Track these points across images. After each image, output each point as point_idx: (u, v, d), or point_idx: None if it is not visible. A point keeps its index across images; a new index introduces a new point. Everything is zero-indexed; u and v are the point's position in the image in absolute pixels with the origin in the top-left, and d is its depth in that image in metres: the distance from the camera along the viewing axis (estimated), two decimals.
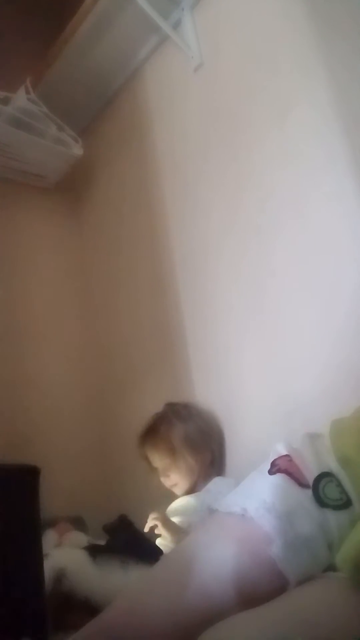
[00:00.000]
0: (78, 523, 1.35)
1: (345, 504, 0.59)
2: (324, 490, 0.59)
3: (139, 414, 1.49)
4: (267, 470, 0.63)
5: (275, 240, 1.37)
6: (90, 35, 1.70)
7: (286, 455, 0.64)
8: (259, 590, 0.55)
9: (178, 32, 1.67)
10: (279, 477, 0.61)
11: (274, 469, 0.63)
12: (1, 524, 0.58)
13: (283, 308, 1.33)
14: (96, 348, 1.87)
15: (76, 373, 1.83)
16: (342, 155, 1.23)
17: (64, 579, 0.91)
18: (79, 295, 1.94)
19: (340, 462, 0.60)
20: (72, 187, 2.01)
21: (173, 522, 1.21)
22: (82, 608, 0.87)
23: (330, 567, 0.58)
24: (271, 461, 0.64)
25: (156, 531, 1.16)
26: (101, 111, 1.99)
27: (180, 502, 1.35)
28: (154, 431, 1.40)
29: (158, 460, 1.38)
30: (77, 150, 1.81)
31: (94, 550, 1.00)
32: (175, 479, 1.37)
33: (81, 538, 1.18)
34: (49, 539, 1.13)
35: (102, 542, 1.09)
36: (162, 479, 1.39)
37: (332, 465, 0.61)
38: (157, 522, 1.15)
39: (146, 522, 1.20)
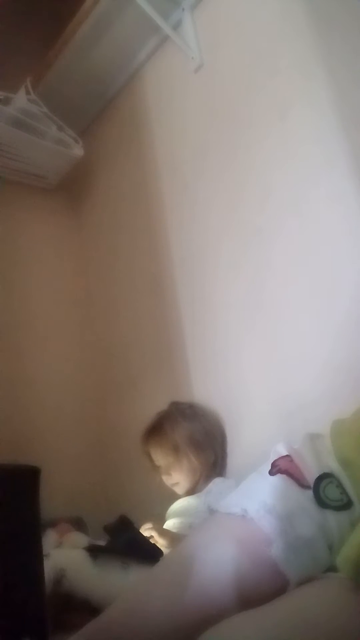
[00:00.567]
0: (78, 523, 1.35)
1: (345, 504, 0.59)
2: (324, 491, 0.59)
3: (139, 414, 1.49)
4: (267, 471, 0.63)
5: (274, 240, 1.37)
6: (90, 36, 1.70)
7: (287, 456, 0.64)
8: (259, 591, 0.55)
9: (178, 33, 1.67)
10: (279, 478, 0.61)
11: (275, 469, 0.63)
12: (1, 524, 0.58)
13: (282, 308, 1.33)
14: (96, 348, 1.87)
15: (76, 373, 1.83)
16: (342, 154, 1.23)
17: (63, 580, 0.91)
18: (79, 295, 1.94)
19: (341, 464, 0.60)
20: (72, 188, 2.01)
21: (168, 531, 1.20)
22: (82, 608, 0.87)
23: (331, 568, 0.58)
24: (272, 462, 0.64)
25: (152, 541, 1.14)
26: (101, 112, 1.99)
27: (181, 503, 1.35)
28: (159, 429, 1.40)
29: (161, 458, 1.38)
30: (78, 150, 1.81)
31: (94, 551, 1.00)
32: (177, 478, 1.37)
33: (81, 539, 1.17)
34: (49, 539, 1.13)
35: (103, 543, 1.09)
36: (164, 478, 1.39)
37: (333, 466, 0.61)
38: (153, 533, 1.14)
39: (146, 523, 1.19)
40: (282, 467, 0.62)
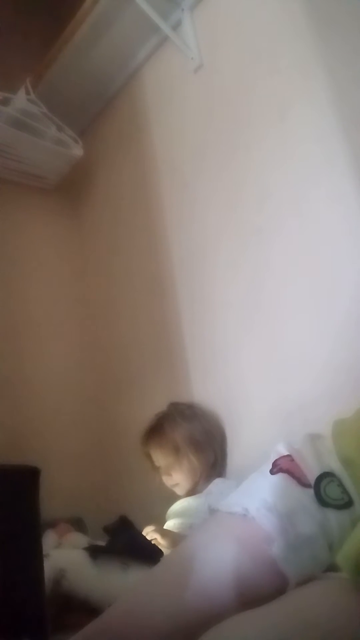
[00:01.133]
0: (78, 524, 1.35)
1: (346, 503, 0.59)
2: (325, 490, 0.59)
3: (139, 415, 1.49)
4: (268, 471, 0.63)
5: (274, 240, 1.37)
6: (90, 36, 1.70)
7: (287, 456, 0.64)
8: (259, 591, 0.55)
9: (178, 33, 1.67)
10: (280, 477, 0.61)
11: (275, 468, 0.63)
12: (1, 524, 0.58)
13: (282, 308, 1.33)
14: (95, 348, 1.87)
15: (75, 373, 1.83)
16: (341, 154, 1.23)
17: (63, 580, 0.91)
18: (78, 295, 1.94)
19: (343, 463, 0.60)
20: (71, 188, 2.01)
21: (171, 532, 1.20)
22: (82, 608, 0.87)
23: (331, 568, 0.58)
24: (272, 461, 0.64)
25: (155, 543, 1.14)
26: (101, 112, 1.99)
27: (182, 504, 1.35)
28: (158, 430, 1.40)
29: (161, 458, 1.38)
30: (77, 151, 1.81)
31: (94, 551, 1.00)
32: (177, 479, 1.37)
33: (81, 539, 1.17)
34: (48, 540, 1.13)
35: (103, 543, 1.09)
36: (164, 478, 1.39)
37: (334, 465, 0.61)
38: (155, 535, 1.14)
39: (146, 523, 1.19)
40: (282, 466, 0.62)
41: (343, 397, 1.09)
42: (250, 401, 1.38)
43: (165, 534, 1.15)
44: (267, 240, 1.39)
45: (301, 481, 0.60)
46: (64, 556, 0.99)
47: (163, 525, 1.27)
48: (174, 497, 1.38)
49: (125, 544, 1.03)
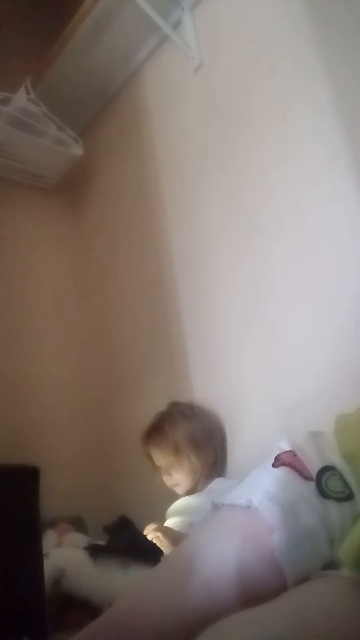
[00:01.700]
0: (78, 524, 1.35)
1: (347, 496, 0.59)
2: (327, 483, 0.60)
3: (139, 414, 1.49)
4: (270, 465, 0.64)
5: (274, 239, 1.37)
6: (90, 35, 1.70)
7: (290, 451, 0.65)
8: (262, 587, 0.55)
9: (178, 32, 1.67)
10: (282, 470, 0.62)
11: (278, 462, 0.64)
12: (1, 524, 0.58)
13: (282, 307, 1.33)
14: (95, 348, 1.87)
15: (75, 373, 1.83)
16: (342, 153, 1.23)
17: (63, 579, 0.91)
18: (78, 294, 1.95)
19: (345, 458, 0.61)
20: (71, 187, 2.01)
21: (172, 530, 1.20)
22: (82, 608, 0.87)
23: (331, 565, 0.58)
24: (274, 456, 0.65)
25: (158, 543, 1.14)
26: (101, 111, 1.99)
27: (182, 503, 1.35)
28: (158, 429, 1.40)
29: (161, 458, 1.38)
30: (77, 150, 1.81)
31: (94, 550, 1.00)
32: (177, 478, 1.37)
33: (81, 539, 1.17)
34: (48, 539, 1.13)
35: (103, 543, 1.09)
36: (165, 478, 1.39)
37: (336, 460, 0.62)
38: (157, 533, 1.14)
39: (146, 523, 1.19)
40: (285, 460, 0.63)
41: (343, 397, 1.09)
42: (251, 400, 1.38)
43: (166, 532, 1.15)
44: (267, 239, 1.39)
45: (303, 474, 0.61)
46: (64, 556, 0.99)
47: (163, 523, 1.28)
48: (174, 496, 1.38)
49: (125, 543, 1.03)
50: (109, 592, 0.86)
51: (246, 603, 0.53)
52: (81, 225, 2.03)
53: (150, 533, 1.14)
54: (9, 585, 0.56)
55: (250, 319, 1.41)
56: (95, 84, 1.88)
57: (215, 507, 0.68)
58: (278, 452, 0.65)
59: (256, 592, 0.54)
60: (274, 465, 0.64)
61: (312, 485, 0.60)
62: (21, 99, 1.69)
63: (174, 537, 1.14)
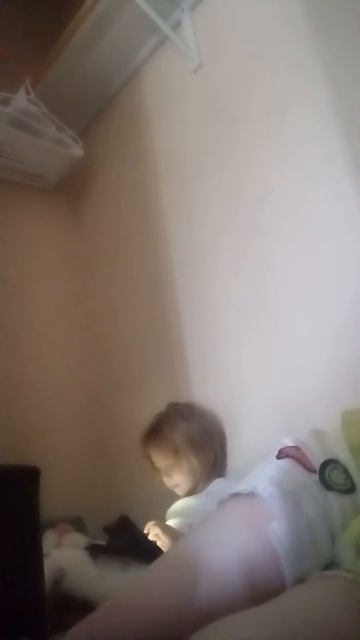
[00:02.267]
0: (77, 524, 1.35)
1: (350, 489, 0.60)
2: (330, 475, 0.61)
3: (138, 415, 1.49)
4: (274, 457, 0.65)
5: (274, 240, 1.37)
6: (90, 36, 1.70)
7: (294, 446, 0.66)
8: (265, 574, 0.56)
9: (177, 33, 1.67)
10: (286, 461, 0.63)
11: (282, 455, 0.65)
12: (1, 524, 0.58)
13: (282, 307, 1.33)
14: (95, 349, 1.87)
15: (75, 374, 1.83)
16: (341, 154, 1.23)
17: (63, 580, 0.91)
18: (78, 295, 1.94)
19: (352, 451, 0.62)
20: (71, 188, 2.01)
21: (173, 528, 1.20)
22: (82, 608, 0.87)
23: (331, 565, 0.59)
24: (278, 450, 0.66)
25: (157, 541, 1.14)
26: (101, 112, 1.99)
27: (181, 504, 1.35)
28: (157, 431, 1.40)
29: (161, 460, 1.38)
30: (77, 151, 1.81)
31: (94, 551, 1.00)
32: (177, 479, 1.37)
33: (80, 539, 1.17)
34: (48, 539, 1.13)
35: (103, 543, 1.09)
36: (164, 479, 1.39)
37: (341, 454, 0.63)
38: (157, 530, 1.14)
39: (146, 523, 1.19)
40: (289, 453, 0.64)
41: (343, 397, 1.09)
42: (250, 401, 1.38)
43: (166, 529, 1.15)
44: (267, 239, 1.39)
45: (307, 467, 0.62)
46: (64, 556, 0.99)
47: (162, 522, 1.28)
48: (174, 497, 1.38)
49: (125, 543, 1.03)
50: (109, 592, 0.86)
51: (252, 594, 0.53)
52: (81, 226, 2.03)
53: (150, 530, 1.14)
54: (8, 586, 0.56)
55: (250, 319, 1.41)
56: (95, 85, 1.88)
57: (221, 502, 0.68)
58: (281, 447, 0.66)
59: (260, 583, 0.55)
60: (277, 457, 0.65)
61: (315, 477, 0.61)
62: (21, 100, 1.69)
63: (173, 535, 1.14)
